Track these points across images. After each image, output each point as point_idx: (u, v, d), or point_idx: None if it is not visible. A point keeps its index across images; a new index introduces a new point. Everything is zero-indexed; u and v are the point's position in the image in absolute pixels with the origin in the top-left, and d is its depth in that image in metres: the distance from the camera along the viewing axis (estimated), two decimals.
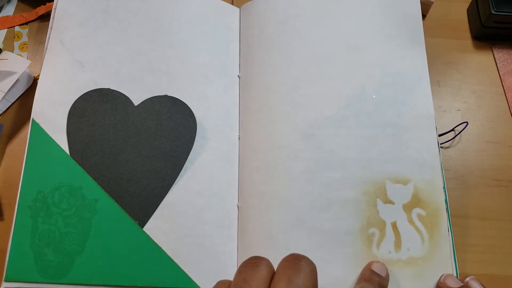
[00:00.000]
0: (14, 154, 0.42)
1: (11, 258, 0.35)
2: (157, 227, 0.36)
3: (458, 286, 0.34)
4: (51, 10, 0.43)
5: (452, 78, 0.47)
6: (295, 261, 0.25)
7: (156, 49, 0.42)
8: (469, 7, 0.51)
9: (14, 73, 0.43)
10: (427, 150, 0.39)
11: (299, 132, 0.39)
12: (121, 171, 0.38)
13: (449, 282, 0.34)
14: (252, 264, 0.25)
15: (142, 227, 0.36)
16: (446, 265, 0.36)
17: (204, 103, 0.41)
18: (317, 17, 0.43)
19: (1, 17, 0.49)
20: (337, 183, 0.38)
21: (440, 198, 0.37)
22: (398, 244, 0.36)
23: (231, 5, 0.46)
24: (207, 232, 0.37)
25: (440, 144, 0.42)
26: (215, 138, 0.40)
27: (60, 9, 0.43)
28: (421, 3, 0.44)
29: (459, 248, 0.39)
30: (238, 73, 0.44)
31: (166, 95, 0.40)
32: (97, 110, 0.39)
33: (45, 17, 0.49)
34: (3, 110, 0.44)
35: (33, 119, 0.38)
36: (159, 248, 0.36)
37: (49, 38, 0.42)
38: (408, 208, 0.37)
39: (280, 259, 0.26)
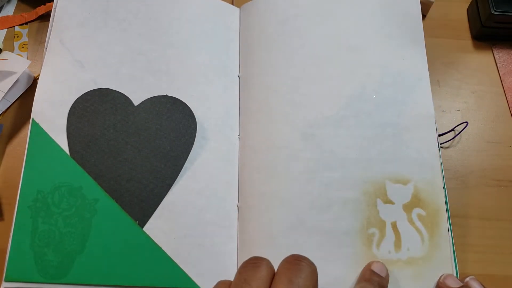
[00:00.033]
0: (14, 154, 0.42)
1: (11, 258, 0.35)
2: (157, 227, 0.36)
3: (458, 286, 0.34)
4: (51, 10, 0.43)
5: (452, 78, 0.47)
6: (296, 262, 0.25)
7: (156, 49, 0.42)
8: (469, 7, 0.51)
9: (14, 73, 0.43)
10: (427, 150, 0.39)
11: (299, 132, 0.39)
12: (121, 171, 0.38)
13: (449, 282, 0.34)
14: (252, 264, 0.25)
15: (142, 227, 0.36)
16: (446, 265, 0.36)
17: (204, 103, 0.41)
18: (317, 17, 0.43)
19: (1, 17, 0.49)
20: (337, 183, 0.38)
21: (440, 198, 0.37)
22: (398, 244, 0.36)
23: (231, 5, 0.46)
24: (207, 232, 0.37)
25: (440, 144, 0.42)
26: (215, 138, 0.40)
27: (60, 9, 0.43)
28: (421, 3, 0.44)
29: (459, 248, 0.39)
30: (238, 73, 0.44)
31: (166, 95, 0.40)
32: (97, 110, 0.39)
33: (45, 17, 0.49)
34: (3, 110, 0.44)
35: (33, 119, 0.38)
36: (159, 248, 0.36)
37: (49, 38, 0.42)
38: (408, 208, 0.37)
39: (280, 259, 0.26)
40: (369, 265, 0.35)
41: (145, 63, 0.41)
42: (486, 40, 0.49)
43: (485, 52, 0.49)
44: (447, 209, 0.37)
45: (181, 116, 0.40)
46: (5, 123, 0.43)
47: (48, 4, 0.49)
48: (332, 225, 0.37)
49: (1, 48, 0.46)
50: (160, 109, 0.40)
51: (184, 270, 0.36)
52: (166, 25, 0.43)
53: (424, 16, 0.50)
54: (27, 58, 0.46)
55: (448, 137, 0.44)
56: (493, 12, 0.46)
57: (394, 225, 0.37)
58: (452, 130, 0.44)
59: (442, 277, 0.35)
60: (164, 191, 0.38)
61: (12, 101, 0.44)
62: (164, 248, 0.36)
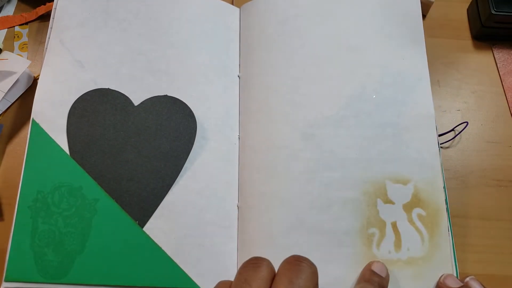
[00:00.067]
0: (14, 154, 0.42)
1: (11, 258, 0.35)
2: (157, 227, 0.36)
3: (458, 286, 0.34)
4: (51, 10, 0.43)
5: (452, 78, 0.47)
6: (296, 263, 0.25)
7: (156, 49, 0.42)
8: (469, 7, 0.51)
9: (14, 73, 0.43)
10: (427, 150, 0.39)
11: (299, 132, 0.39)
12: (121, 171, 0.38)
13: (449, 282, 0.34)
14: (253, 264, 0.25)
15: (142, 227, 0.36)
16: (446, 265, 0.36)
17: (204, 103, 0.41)
18: (317, 17, 0.43)
19: (1, 17, 0.49)
20: (337, 183, 0.38)
21: (440, 198, 0.37)
22: (398, 244, 0.36)
23: (231, 5, 0.46)
24: (207, 232, 0.37)
25: (440, 144, 0.42)
26: (215, 138, 0.40)
27: (60, 9, 0.43)
28: (421, 3, 0.44)
29: (459, 248, 0.39)
30: (238, 73, 0.44)
31: (166, 95, 0.40)
32: (97, 110, 0.39)
33: (45, 17, 0.49)
34: (3, 110, 0.44)
35: (33, 119, 0.38)
36: (159, 248, 0.36)
37: (49, 38, 0.42)
38: (408, 208, 0.37)
39: (281, 259, 0.26)
40: (369, 265, 0.35)
41: (145, 63, 0.41)
42: (486, 40, 0.49)
43: (485, 52, 0.49)
44: (447, 209, 0.37)
45: (181, 116, 0.40)
46: (5, 123, 0.43)
47: (48, 4, 0.49)
48: (332, 225, 0.37)
49: (1, 48, 0.46)
50: (160, 109, 0.40)
51: (184, 270, 0.36)
52: (166, 25, 0.43)
53: (424, 16, 0.50)
54: (27, 58, 0.46)
55: (448, 137, 0.44)
56: (493, 12, 0.46)
57: (394, 225, 0.37)
58: (452, 130, 0.44)
59: (442, 277, 0.35)
60: (164, 191, 0.38)
61: (12, 101, 0.44)
62: (164, 248, 0.36)
